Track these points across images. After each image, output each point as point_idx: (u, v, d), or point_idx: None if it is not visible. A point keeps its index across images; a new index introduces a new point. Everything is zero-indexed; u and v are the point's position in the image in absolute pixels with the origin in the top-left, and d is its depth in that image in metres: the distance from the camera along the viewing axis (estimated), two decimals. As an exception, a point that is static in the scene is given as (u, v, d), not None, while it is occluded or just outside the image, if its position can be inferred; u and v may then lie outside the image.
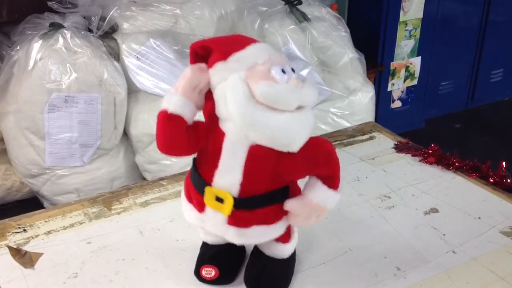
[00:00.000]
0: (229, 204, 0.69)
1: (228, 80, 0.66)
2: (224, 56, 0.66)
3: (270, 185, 0.69)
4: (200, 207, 0.72)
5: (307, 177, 0.72)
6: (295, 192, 0.73)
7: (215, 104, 0.68)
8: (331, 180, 0.70)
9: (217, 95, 0.68)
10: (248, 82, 0.65)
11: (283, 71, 0.66)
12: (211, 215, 0.71)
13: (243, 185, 0.68)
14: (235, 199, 0.69)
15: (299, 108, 0.66)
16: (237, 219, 0.70)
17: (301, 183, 0.74)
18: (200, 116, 0.71)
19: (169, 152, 0.71)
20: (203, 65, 0.69)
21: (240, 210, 0.69)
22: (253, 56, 0.67)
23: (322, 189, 0.70)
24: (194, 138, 0.69)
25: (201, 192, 0.70)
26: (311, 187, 0.71)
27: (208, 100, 0.70)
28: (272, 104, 0.64)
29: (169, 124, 0.68)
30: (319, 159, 0.69)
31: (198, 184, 0.71)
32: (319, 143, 0.70)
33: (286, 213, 0.73)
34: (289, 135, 0.65)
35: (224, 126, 0.68)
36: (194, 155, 0.73)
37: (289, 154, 0.67)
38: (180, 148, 0.70)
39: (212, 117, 0.69)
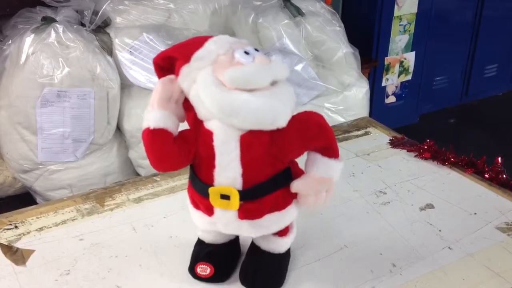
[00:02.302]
0: (235, 198, 0.68)
1: (197, 80, 0.66)
2: (187, 59, 0.67)
3: (271, 170, 0.69)
4: (209, 210, 0.72)
5: (306, 155, 0.71)
6: (298, 174, 0.72)
7: (195, 110, 0.68)
8: (329, 150, 0.70)
9: (193, 99, 0.68)
10: (216, 75, 0.65)
11: (246, 52, 0.66)
12: (221, 215, 0.71)
13: (245, 175, 0.68)
14: (240, 192, 0.68)
15: (274, 84, 0.66)
16: (247, 211, 0.70)
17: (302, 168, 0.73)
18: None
19: (164, 167, 0.71)
20: (171, 76, 0.69)
21: (248, 202, 0.69)
22: (213, 49, 0.67)
23: (323, 161, 0.70)
24: (185, 147, 0.69)
25: (206, 196, 0.70)
26: (312, 162, 0.70)
27: (188, 110, 0.70)
28: (245, 86, 0.64)
29: (155, 140, 0.67)
30: (312, 131, 0.69)
31: (200, 188, 0.71)
32: (309, 116, 0.69)
33: (294, 196, 0.72)
34: (272, 111, 0.65)
35: (209, 125, 0.68)
36: (190, 164, 0.73)
37: (281, 132, 0.67)
38: (173, 161, 0.69)
39: (196, 124, 0.69)
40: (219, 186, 0.69)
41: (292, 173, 0.72)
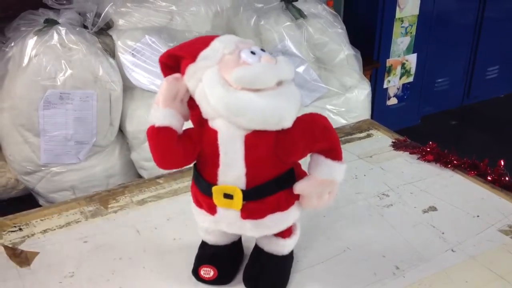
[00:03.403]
0: (239, 198, 0.68)
1: (203, 79, 0.66)
2: (193, 58, 0.67)
3: (274, 170, 0.69)
4: (212, 210, 0.72)
5: (309, 157, 0.72)
6: (300, 175, 0.72)
7: (200, 109, 0.68)
8: (333, 153, 0.70)
9: (198, 98, 0.68)
10: (222, 74, 0.65)
11: (252, 52, 0.66)
12: (224, 214, 0.71)
13: (248, 175, 0.68)
14: (243, 191, 0.68)
15: (280, 84, 0.67)
16: (250, 211, 0.70)
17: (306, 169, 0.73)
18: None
19: (168, 165, 0.71)
20: (177, 74, 0.69)
21: (251, 202, 0.69)
22: (220, 49, 0.67)
23: (326, 163, 0.70)
24: (189, 145, 0.69)
25: (209, 195, 0.70)
26: (316, 164, 0.70)
27: (192, 109, 0.70)
28: (251, 85, 0.64)
29: (160, 138, 0.68)
30: (316, 133, 0.69)
31: (204, 187, 0.71)
32: (313, 118, 0.70)
33: (297, 197, 0.73)
34: (277, 111, 0.65)
35: (214, 124, 0.68)
36: (194, 162, 0.73)
37: (285, 133, 0.67)
38: (177, 159, 0.70)
39: (201, 123, 0.69)
40: (223, 185, 0.69)
41: (295, 174, 0.72)
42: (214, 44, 0.68)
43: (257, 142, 0.67)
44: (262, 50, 0.68)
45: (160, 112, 0.67)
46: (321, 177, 0.70)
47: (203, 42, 0.69)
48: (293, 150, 0.69)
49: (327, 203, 0.73)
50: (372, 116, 2.66)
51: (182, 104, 0.69)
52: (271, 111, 0.65)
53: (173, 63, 0.70)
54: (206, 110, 0.67)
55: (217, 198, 0.70)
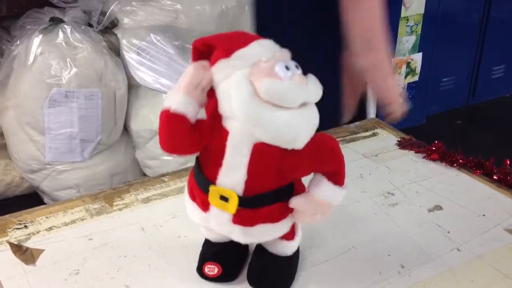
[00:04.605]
0: (234, 203, 0.68)
1: (231, 78, 0.65)
2: (227, 53, 0.65)
3: (275, 183, 0.69)
4: (205, 206, 0.71)
5: (312, 174, 0.71)
6: (299, 189, 0.72)
7: (217, 102, 0.67)
8: (336, 177, 0.70)
9: (220, 93, 0.67)
10: (252, 80, 0.64)
11: (287, 67, 0.65)
12: (216, 214, 0.70)
13: (248, 183, 0.67)
14: (240, 197, 0.68)
15: (303, 104, 0.66)
16: (242, 218, 0.69)
17: (305, 180, 0.73)
18: (201, 114, 0.71)
19: (173, 151, 0.70)
20: (205, 62, 0.68)
21: (245, 209, 0.69)
22: (257, 53, 0.66)
23: (327, 186, 0.69)
24: (197, 136, 0.68)
25: (206, 191, 0.70)
26: (316, 184, 0.70)
27: (210, 98, 0.69)
28: (277, 101, 0.63)
29: (172, 123, 0.67)
30: (324, 155, 0.68)
31: (202, 183, 0.71)
32: (323, 139, 0.69)
33: (291, 210, 0.72)
34: (294, 132, 0.65)
35: (228, 124, 0.67)
36: (197, 154, 0.72)
37: (293, 151, 0.66)
38: (183, 147, 0.69)
39: (215, 115, 0.68)
40: (220, 187, 0.69)
41: (294, 188, 0.72)
42: (253, 46, 0.66)
43: (264, 153, 0.66)
44: (297, 66, 0.66)
45: (179, 97, 0.66)
46: (319, 198, 0.70)
47: (243, 40, 0.67)
48: (297, 168, 0.68)
49: (319, 221, 0.73)
50: (377, 115, 2.65)
51: (202, 93, 0.68)
52: (288, 130, 0.64)
53: (206, 50, 0.68)
54: (224, 107, 0.67)
55: (212, 197, 0.69)
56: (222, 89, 0.66)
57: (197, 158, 0.73)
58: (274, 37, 0.70)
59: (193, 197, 0.74)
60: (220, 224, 0.71)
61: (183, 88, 0.67)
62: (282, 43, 0.69)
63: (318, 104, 0.68)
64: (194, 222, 0.76)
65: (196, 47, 0.69)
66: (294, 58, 0.68)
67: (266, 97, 0.63)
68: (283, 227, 0.73)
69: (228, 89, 0.65)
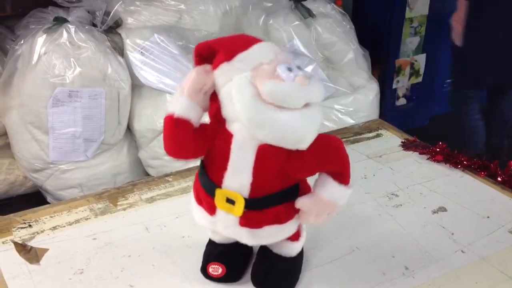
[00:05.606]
0: (240, 205, 0.68)
1: (233, 81, 0.65)
2: (229, 56, 0.66)
3: (280, 184, 0.69)
4: (211, 209, 0.72)
5: (317, 174, 0.71)
6: (305, 190, 0.72)
7: (221, 106, 0.68)
8: (342, 176, 0.70)
9: (223, 97, 0.67)
10: (254, 82, 0.64)
11: (289, 69, 0.65)
12: (223, 217, 0.71)
13: (254, 185, 0.67)
14: (246, 200, 0.68)
15: (306, 105, 0.66)
16: (248, 220, 0.70)
17: (311, 181, 0.73)
18: (205, 117, 0.71)
19: (177, 155, 0.71)
20: (208, 66, 0.68)
21: (252, 211, 0.69)
22: (258, 55, 0.67)
23: (333, 186, 0.69)
24: (201, 140, 0.69)
25: (212, 195, 0.70)
26: (322, 184, 0.70)
27: (213, 101, 0.69)
28: (279, 102, 0.64)
29: (176, 128, 0.67)
30: (328, 155, 0.69)
31: (208, 186, 0.71)
32: (327, 140, 0.69)
33: (297, 211, 0.72)
34: (298, 133, 0.65)
35: (232, 127, 0.67)
36: (202, 157, 0.73)
37: (297, 152, 0.66)
38: (188, 151, 0.69)
39: (218, 119, 0.69)
40: (226, 190, 0.69)
41: (299, 188, 0.72)
42: (254, 49, 0.67)
43: (269, 155, 0.66)
44: (299, 67, 0.67)
45: (182, 102, 0.67)
46: (324, 197, 0.70)
47: (244, 43, 0.68)
48: (302, 169, 0.69)
49: (324, 221, 0.73)
50: (381, 116, 2.65)
51: (205, 97, 0.68)
52: (292, 131, 0.64)
53: (208, 54, 0.68)
54: (227, 111, 0.67)
55: (219, 200, 0.69)
56: (224, 93, 0.66)
57: (201, 162, 0.73)
58: None
59: (199, 201, 0.74)
60: (227, 227, 0.72)
61: (186, 93, 0.67)
62: None
63: None
64: (201, 226, 0.77)
65: (199, 51, 0.69)
66: None
67: (269, 99, 0.63)
68: (290, 228, 0.73)
69: (231, 92, 0.65)
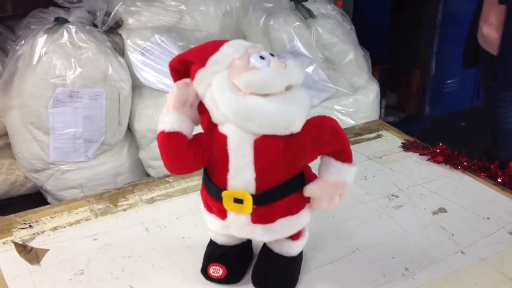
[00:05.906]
0: (249, 202, 0.68)
1: (212, 84, 0.66)
2: (202, 62, 0.67)
3: (284, 174, 0.69)
4: (222, 214, 0.72)
5: (320, 159, 0.71)
6: (310, 178, 0.72)
7: (210, 114, 0.68)
8: (343, 154, 0.70)
9: (207, 103, 0.68)
10: (232, 79, 0.66)
11: (261, 57, 0.67)
12: (234, 218, 0.71)
13: (258, 180, 0.68)
14: (253, 196, 0.68)
15: (289, 88, 0.67)
16: (260, 216, 0.70)
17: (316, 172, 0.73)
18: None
19: (178, 170, 0.72)
20: (187, 79, 0.69)
21: (261, 206, 0.69)
22: (229, 54, 0.68)
23: (336, 166, 0.70)
24: (199, 150, 0.69)
25: (219, 199, 0.70)
26: (326, 167, 0.70)
27: (202, 113, 0.70)
28: (260, 90, 0.65)
29: (170, 143, 0.68)
30: (325, 135, 0.69)
31: (214, 192, 0.71)
32: (322, 120, 0.70)
33: (308, 200, 0.72)
34: (286, 116, 0.65)
35: (224, 129, 0.68)
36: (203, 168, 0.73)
37: (294, 137, 0.67)
38: (187, 164, 0.70)
39: (211, 127, 0.69)
40: (233, 190, 0.69)
41: (305, 177, 0.72)
42: (224, 49, 0.68)
43: (267, 147, 0.67)
44: (271, 54, 0.68)
45: (170, 117, 0.68)
46: (331, 179, 0.70)
47: (213, 47, 0.69)
48: (302, 153, 0.69)
49: (338, 205, 0.73)
50: (381, 117, 2.65)
51: (192, 109, 0.69)
52: (280, 116, 0.65)
53: (183, 68, 0.70)
54: (215, 115, 0.68)
55: (227, 202, 0.70)
56: (208, 99, 0.68)
57: (204, 171, 0.73)
58: None
59: (209, 208, 0.74)
60: (240, 228, 0.72)
61: (172, 107, 0.68)
62: None
63: None
64: (215, 231, 0.78)
65: (173, 67, 0.71)
66: None
67: (248, 89, 0.65)
68: (303, 218, 0.73)
69: (213, 95, 0.66)
